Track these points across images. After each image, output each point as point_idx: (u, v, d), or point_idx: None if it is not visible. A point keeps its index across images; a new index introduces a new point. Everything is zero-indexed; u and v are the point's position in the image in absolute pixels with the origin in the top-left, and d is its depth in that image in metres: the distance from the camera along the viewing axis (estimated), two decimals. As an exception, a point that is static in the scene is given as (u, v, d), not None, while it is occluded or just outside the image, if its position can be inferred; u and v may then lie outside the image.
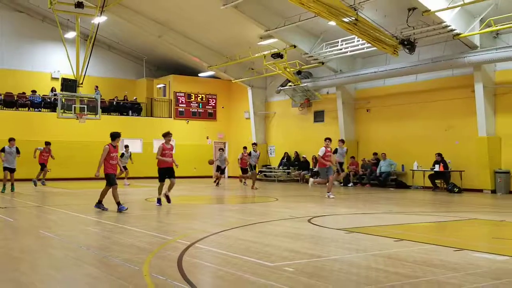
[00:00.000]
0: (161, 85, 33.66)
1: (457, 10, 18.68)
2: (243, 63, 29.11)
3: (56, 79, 29.65)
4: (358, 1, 19.26)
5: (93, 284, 5.84)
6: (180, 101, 32.60)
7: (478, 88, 20.24)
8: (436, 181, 21.81)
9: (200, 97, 33.27)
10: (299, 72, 26.34)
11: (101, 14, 23.41)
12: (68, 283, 5.99)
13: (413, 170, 22.85)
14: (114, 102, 31.32)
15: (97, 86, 29.34)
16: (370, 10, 19.96)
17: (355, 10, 19.33)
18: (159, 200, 14.04)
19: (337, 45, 23.58)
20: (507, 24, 17.94)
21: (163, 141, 14.05)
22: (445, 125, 22.05)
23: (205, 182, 25.35)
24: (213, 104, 33.81)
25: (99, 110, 24.91)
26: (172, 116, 32.36)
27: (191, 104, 32.99)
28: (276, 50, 25.14)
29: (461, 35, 19.21)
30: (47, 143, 23.06)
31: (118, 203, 12.49)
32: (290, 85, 27.31)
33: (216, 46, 29.07)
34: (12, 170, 18.87)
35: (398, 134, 23.77)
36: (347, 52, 23.37)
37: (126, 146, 24.86)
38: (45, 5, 24.28)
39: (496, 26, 18.22)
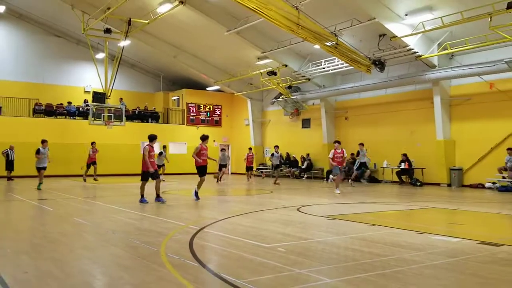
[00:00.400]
0: (176, 97, 33.61)
1: (419, 36, 18.72)
2: (243, 79, 29.11)
3: (88, 92, 29.54)
4: (338, 28, 19.30)
5: (118, 262, 5.85)
6: (191, 111, 32.56)
7: (436, 100, 20.28)
8: (402, 176, 21.81)
9: (208, 107, 33.21)
10: (289, 87, 26.34)
11: (125, 38, 23.37)
12: (97, 261, 5.99)
13: (383, 168, 22.87)
14: (136, 111, 31.21)
15: (121, 98, 29.24)
16: (348, 35, 19.98)
17: (336, 36, 19.38)
18: (196, 194, 13.39)
19: (321, 65, 23.59)
20: (460, 47, 18.01)
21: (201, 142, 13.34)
22: (409, 130, 22.07)
23: (212, 177, 25.24)
24: (219, 113, 33.77)
25: (124, 118, 24.90)
26: (185, 123, 32.30)
27: (201, 113, 32.94)
28: (270, 68, 25.16)
29: (423, 57, 19.22)
30: (92, 143, 22.15)
31: (142, 196, 12.52)
32: (282, 98, 27.31)
33: (221, 65, 29.08)
34: (44, 169, 17.57)
35: (371, 138, 23.77)
36: (329, 70, 23.36)
37: (164, 147, 24.09)
38: (80, 31, 24.26)
39: (451, 49, 18.25)
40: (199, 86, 33.21)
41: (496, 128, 18.68)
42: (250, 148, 24.48)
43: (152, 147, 12.60)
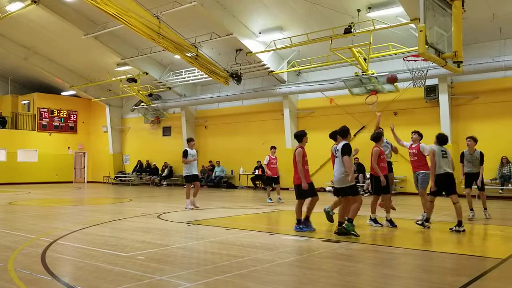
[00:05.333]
0: (26, 101, 30.45)
1: (271, 53, 19.83)
2: (102, 85, 27.66)
3: None
4: (198, 41, 19.53)
5: (-44, 283, 5.07)
6: (44, 116, 29.80)
7: (286, 112, 21.65)
8: (256, 182, 22.80)
9: (62, 113, 30.74)
10: (150, 95, 25.78)
11: (-34, 35, 20.58)
12: None
13: (239, 174, 23.64)
14: (-21, 115, 27.63)
15: (-40, 100, 25.69)
16: (208, 48, 20.34)
17: (196, 47, 19.59)
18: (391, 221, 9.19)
19: (182, 74, 23.58)
20: (306, 66, 19.50)
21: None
22: (262, 140, 23.12)
23: (67, 186, 23.35)
24: (74, 119, 31.46)
25: (-37, 122, 21.88)
26: (36, 129, 29.44)
27: (54, 118, 30.31)
28: (131, 75, 24.35)
29: (274, 72, 20.39)
30: (273, 148, 14.37)
31: (300, 220, 8.46)
32: (143, 105, 26.58)
33: (77, 69, 27.21)
34: None
35: (229, 146, 24.44)
36: (189, 80, 23.45)
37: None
38: None
39: (298, 67, 19.69)
40: (53, 90, 30.61)
41: (335, 138, 20.58)
42: (274, 147, 15.77)
43: (303, 149, 8.94)
